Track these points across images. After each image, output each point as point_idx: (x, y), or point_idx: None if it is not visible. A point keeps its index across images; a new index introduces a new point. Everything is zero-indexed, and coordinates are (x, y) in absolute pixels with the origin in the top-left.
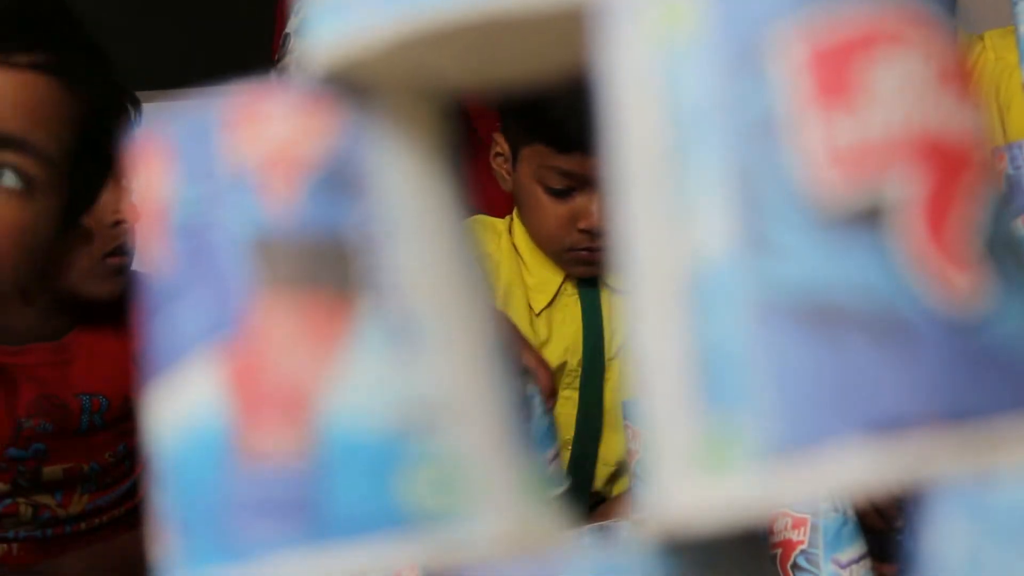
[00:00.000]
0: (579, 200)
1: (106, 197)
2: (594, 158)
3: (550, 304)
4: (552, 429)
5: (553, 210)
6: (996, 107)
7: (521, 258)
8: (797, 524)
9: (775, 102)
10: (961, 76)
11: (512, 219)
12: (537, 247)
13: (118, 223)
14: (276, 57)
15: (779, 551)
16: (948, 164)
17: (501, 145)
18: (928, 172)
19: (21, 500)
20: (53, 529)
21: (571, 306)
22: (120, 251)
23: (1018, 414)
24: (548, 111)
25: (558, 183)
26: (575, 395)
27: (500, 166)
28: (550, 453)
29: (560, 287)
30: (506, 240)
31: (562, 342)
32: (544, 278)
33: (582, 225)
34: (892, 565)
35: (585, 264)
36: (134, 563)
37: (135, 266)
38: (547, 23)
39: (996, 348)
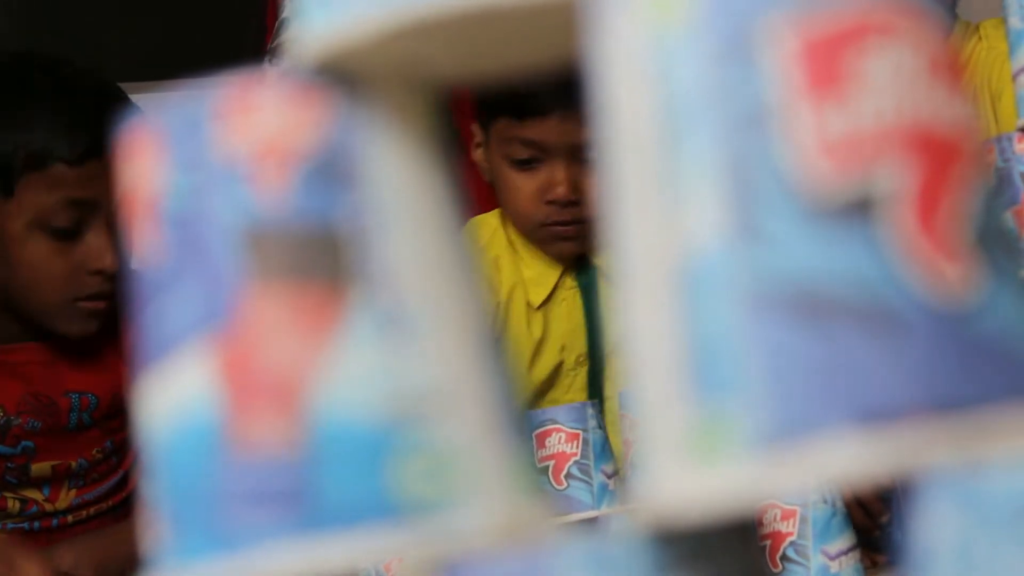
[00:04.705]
0: (544, 172)
1: (93, 242)
2: (553, 123)
3: (549, 298)
4: (608, 443)
5: (521, 186)
6: (988, 96)
7: (517, 252)
8: (786, 515)
9: (767, 92)
10: (952, 67)
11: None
12: (520, 233)
13: (99, 272)
14: (267, 50)
15: (768, 542)
16: (939, 155)
17: (478, 134)
18: (919, 163)
19: (9, 494)
20: (40, 522)
21: (569, 300)
22: (95, 297)
23: (1007, 403)
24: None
25: (521, 153)
26: (579, 397)
27: (480, 158)
28: (608, 468)
29: (559, 280)
30: (501, 235)
31: (558, 340)
32: (541, 270)
33: (549, 197)
34: (882, 555)
35: (564, 240)
36: (125, 554)
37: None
38: (539, 13)
39: (986, 338)
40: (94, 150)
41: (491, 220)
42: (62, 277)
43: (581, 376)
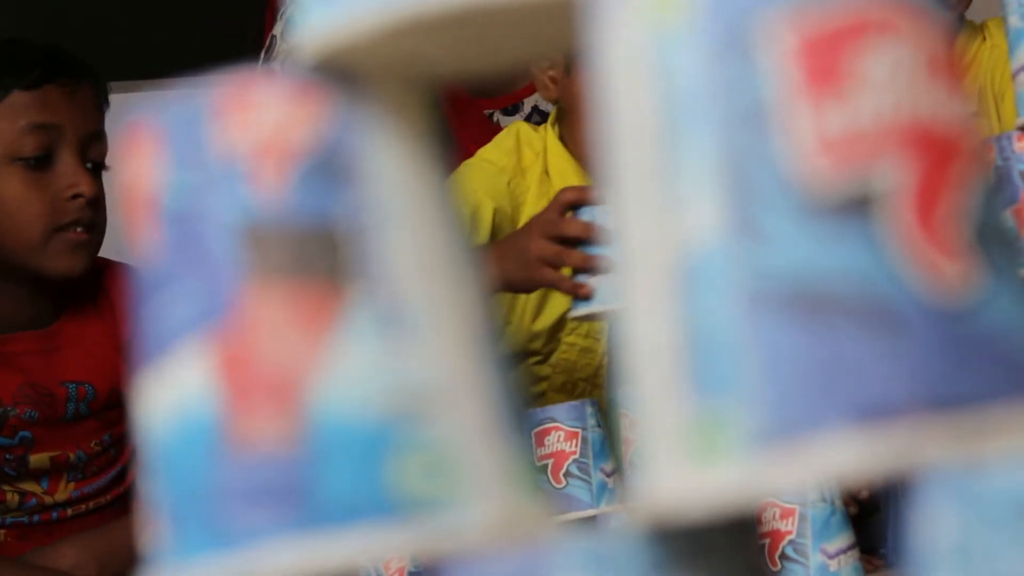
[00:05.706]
0: None
1: (64, 169)
2: None
3: None
4: (606, 443)
5: None
6: (992, 96)
7: (553, 184)
8: (785, 514)
9: (765, 90)
10: (951, 65)
11: (546, 136)
12: (582, 165)
13: (76, 196)
14: (263, 57)
15: (767, 541)
16: (938, 152)
17: (556, 60)
18: (917, 160)
19: (7, 487)
20: (39, 515)
21: None
22: (75, 225)
23: (1006, 401)
24: None
25: None
26: (580, 341)
27: (543, 72)
28: (607, 467)
29: None
30: (539, 164)
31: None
32: None
33: None
34: (879, 558)
35: None
36: (125, 551)
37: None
38: (538, 10)
39: (984, 336)
40: (48, 76)
41: (536, 144)
42: (41, 208)
43: (584, 324)
